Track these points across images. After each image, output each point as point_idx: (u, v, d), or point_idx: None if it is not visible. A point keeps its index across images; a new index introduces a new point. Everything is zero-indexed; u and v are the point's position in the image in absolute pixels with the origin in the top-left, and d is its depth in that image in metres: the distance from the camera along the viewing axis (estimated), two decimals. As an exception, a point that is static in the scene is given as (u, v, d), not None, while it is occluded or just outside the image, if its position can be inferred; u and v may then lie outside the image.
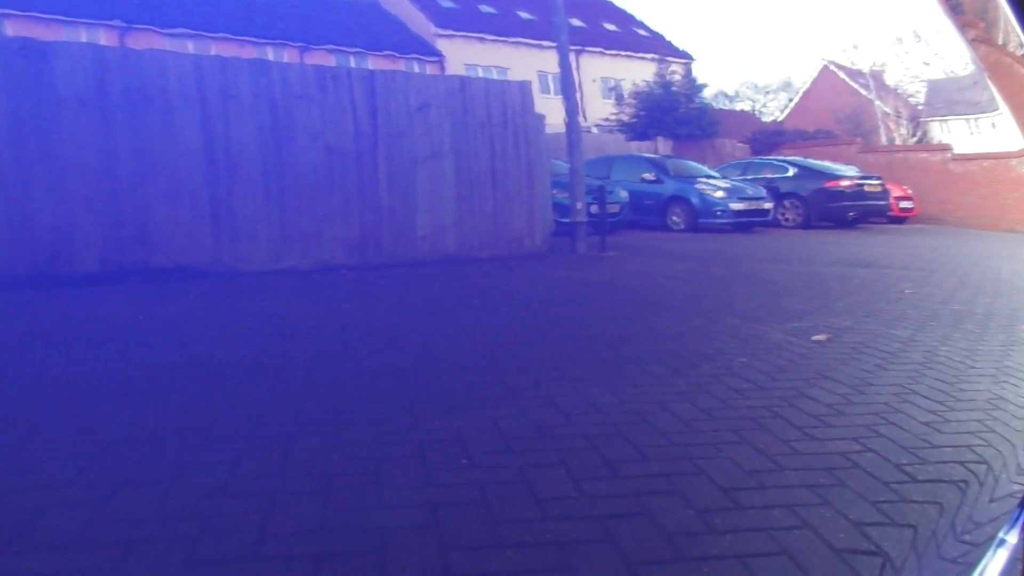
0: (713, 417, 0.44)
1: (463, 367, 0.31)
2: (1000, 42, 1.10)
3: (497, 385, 0.30)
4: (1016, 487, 1.09)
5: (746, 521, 0.49)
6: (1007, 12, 1.12)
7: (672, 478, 0.41)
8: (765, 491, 0.49)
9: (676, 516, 0.42)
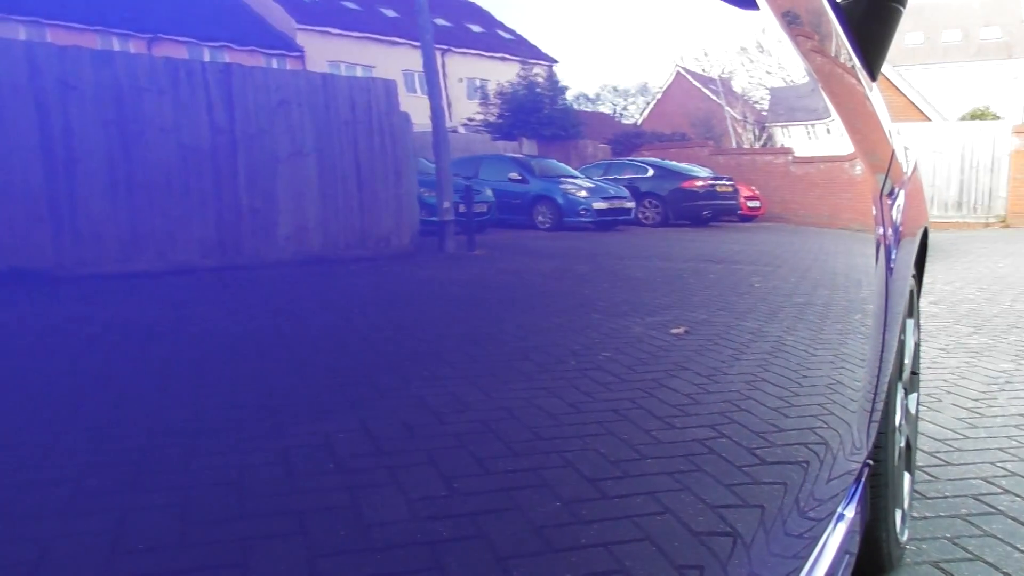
0: (579, 410, 0.46)
1: (327, 369, 0.30)
2: (832, 54, 1.18)
3: (363, 386, 0.30)
4: (852, 465, 1.18)
5: (612, 510, 0.50)
6: (837, 27, 1.22)
7: (541, 472, 0.42)
8: (629, 480, 0.51)
9: (545, 509, 0.43)
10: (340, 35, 0.34)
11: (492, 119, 0.43)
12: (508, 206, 0.44)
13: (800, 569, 0.93)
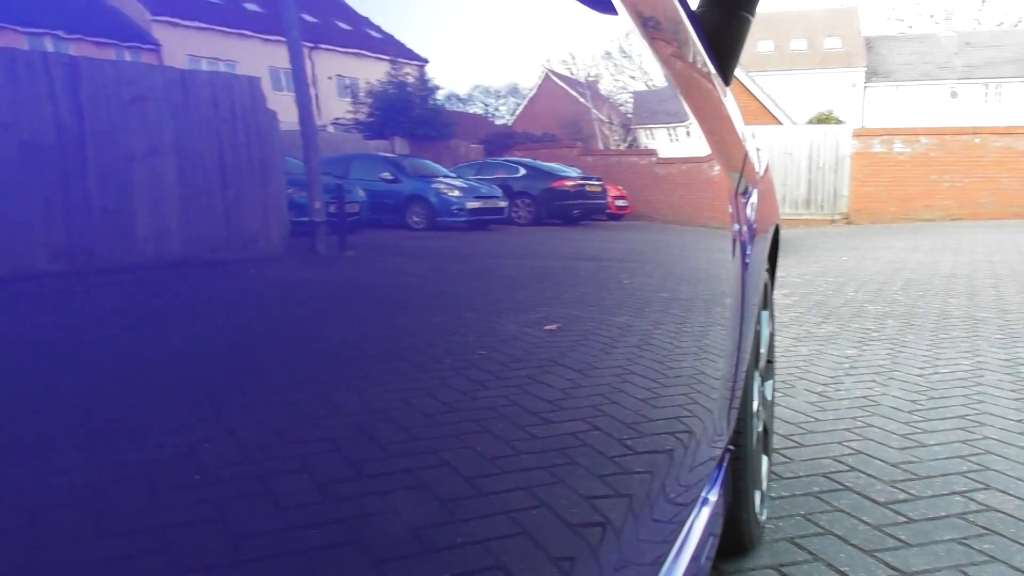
0: (455, 409, 0.46)
1: (193, 378, 0.29)
2: (690, 60, 1.24)
3: (232, 394, 0.28)
4: (714, 451, 1.24)
5: (489, 507, 0.51)
6: (692, 35, 1.27)
7: (416, 472, 0.42)
8: (505, 476, 0.52)
9: (421, 510, 0.43)
10: (200, 28, 0.32)
11: (363, 118, 0.42)
12: (380, 206, 0.44)
13: (668, 553, 0.97)
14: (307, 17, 0.39)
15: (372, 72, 0.44)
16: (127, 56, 0.29)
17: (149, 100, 0.29)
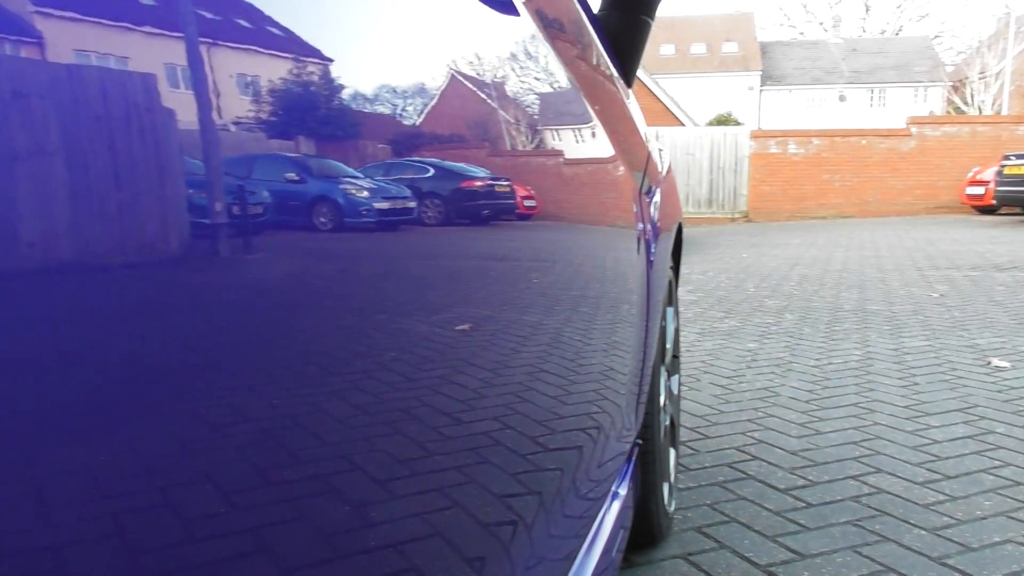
0: (365, 412, 0.45)
1: (90, 387, 0.27)
2: (593, 62, 1.26)
3: (129, 402, 0.27)
4: (624, 445, 1.27)
5: (402, 509, 0.50)
6: (594, 37, 1.30)
7: (328, 478, 0.42)
8: (417, 478, 0.52)
9: (333, 515, 0.43)
10: (87, 21, 0.31)
11: (266, 117, 0.41)
12: (286, 207, 0.43)
13: (579, 548, 0.98)
14: (204, 13, 0.38)
15: (274, 70, 0.43)
16: (7, 50, 0.28)
17: (32, 97, 0.28)
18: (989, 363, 3.53)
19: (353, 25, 0.53)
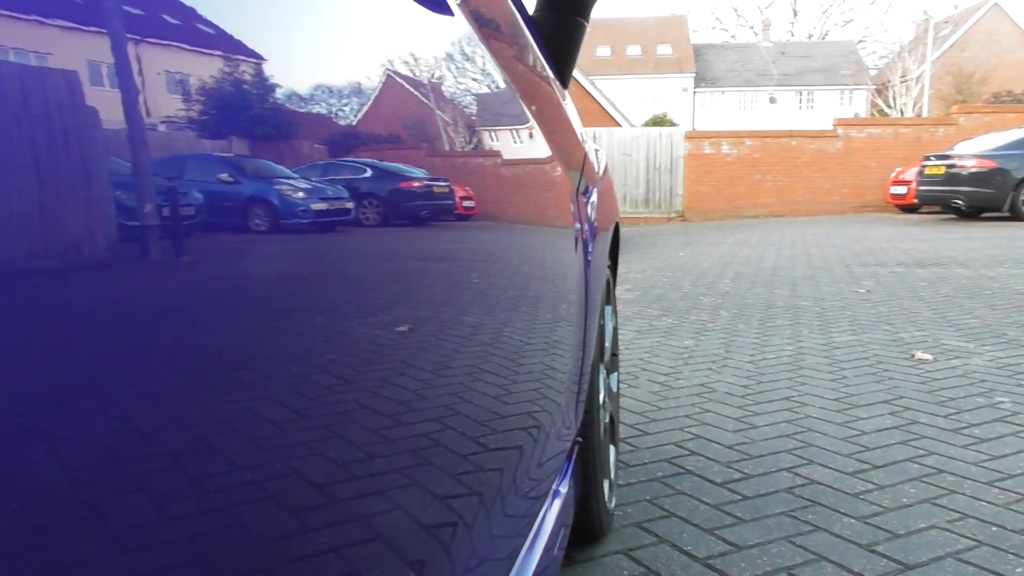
0: (304, 416, 0.45)
1: (15, 396, 0.26)
2: (530, 63, 1.27)
3: (55, 413, 0.26)
4: (564, 444, 1.28)
5: (341, 513, 0.50)
6: (530, 39, 1.30)
7: (264, 484, 0.41)
8: (357, 481, 0.51)
9: (271, 521, 0.42)
10: (5, 16, 0.30)
11: (196, 116, 0.40)
12: (219, 209, 0.42)
13: (521, 546, 0.99)
14: (129, 9, 0.37)
15: (205, 68, 0.42)
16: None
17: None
18: (913, 356, 3.67)
19: (286, 24, 0.52)
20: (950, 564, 1.69)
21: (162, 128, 0.38)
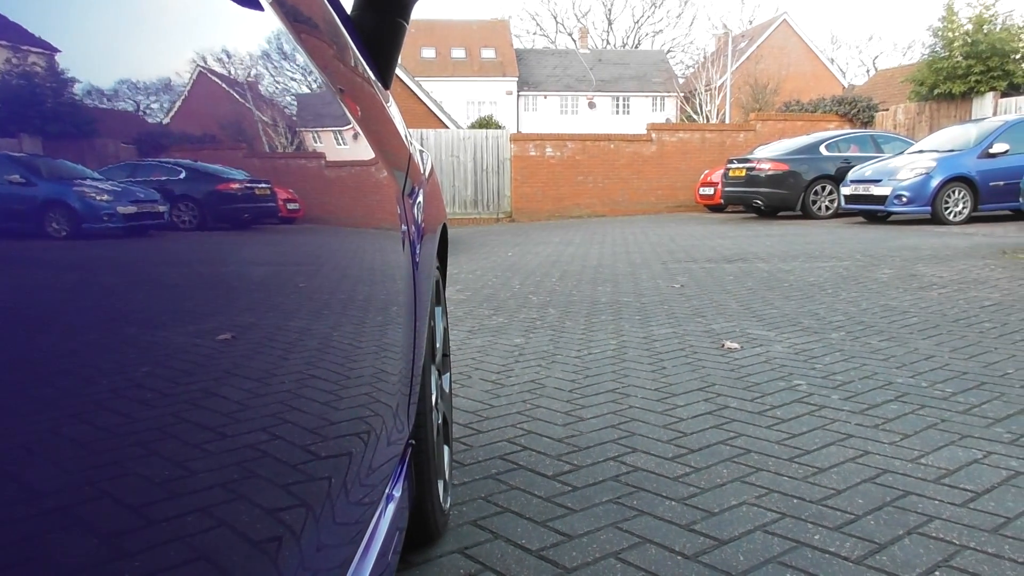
0: (116, 434, 0.42)
1: None
2: (351, 64, 1.25)
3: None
4: (396, 447, 1.28)
5: (160, 533, 0.47)
6: (349, 39, 1.28)
7: (77, 505, 0.38)
8: (178, 499, 0.49)
9: (80, 539, 0.39)
10: None
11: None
12: (10, 213, 0.38)
13: (354, 553, 0.97)
14: None
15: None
16: None
17: None
18: (723, 346, 3.95)
19: (79, 13, 0.49)
20: (759, 536, 1.84)
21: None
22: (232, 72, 0.72)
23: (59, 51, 0.44)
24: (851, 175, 12.41)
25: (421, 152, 1.97)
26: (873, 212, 12.08)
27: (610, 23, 63.23)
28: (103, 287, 0.44)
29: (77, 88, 0.45)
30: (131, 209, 0.49)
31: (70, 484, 0.39)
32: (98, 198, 0.46)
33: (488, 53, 47.39)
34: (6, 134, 0.39)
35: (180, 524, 0.50)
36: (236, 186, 0.67)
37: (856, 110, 18.40)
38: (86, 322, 0.42)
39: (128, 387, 0.45)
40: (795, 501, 2.03)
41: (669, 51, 53.91)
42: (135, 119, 0.53)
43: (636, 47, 56.01)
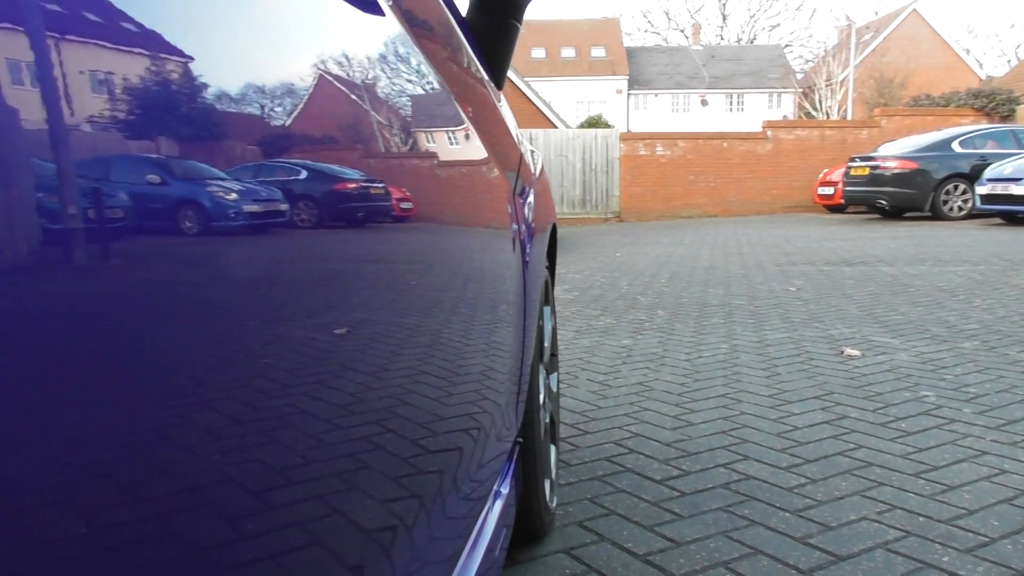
0: (241, 421, 0.44)
1: None
2: (464, 65, 1.26)
3: None
4: (505, 445, 1.28)
5: (280, 518, 0.49)
6: (464, 40, 1.30)
7: (204, 489, 0.40)
8: (296, 486, 0.51)
9: (210, 525, 0.41)
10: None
11: (123, 116, 0.39)
12: (147, 211, 0.41)
13: (463, 548, 0.99)
14: (49, 6, 0.35)
15: (130, 68, 0.41)
16: None
17: None
18: (842, 352, 3.79)
19: (213, 22, 0.51)
20: (880, 555, 1.75)
21: (86, 129, 0.37)
22: (351, 75, 0.74)
23: (192, 59, 0.46)
24: (988, 173, 11.63)
25: (532, 152, 1.98)
26: (1012, 213, 11.28)
27: (724, 18, 61.72)
28: (230, 281, 0.46)
29: (208, 93, 0.48)
30: (255, 207, 0.51)
31: (206, 468, 0.41)
32: (226, 197, 0.48)
33: (598, 52, 47.15)
34: (145, 137, 0.41)
35: (300, 511, 0.52)
36: (352, 186, 0.69)
37: (994, 104, 17.23)
38: (214, 313, 0.44)
39: (252, 378, 0.47)
40: (921, 519, 1.92)
41: (787, 45, 52.16)
42: (260, 122, 0.55)
43: (752, 42, 54.44)
